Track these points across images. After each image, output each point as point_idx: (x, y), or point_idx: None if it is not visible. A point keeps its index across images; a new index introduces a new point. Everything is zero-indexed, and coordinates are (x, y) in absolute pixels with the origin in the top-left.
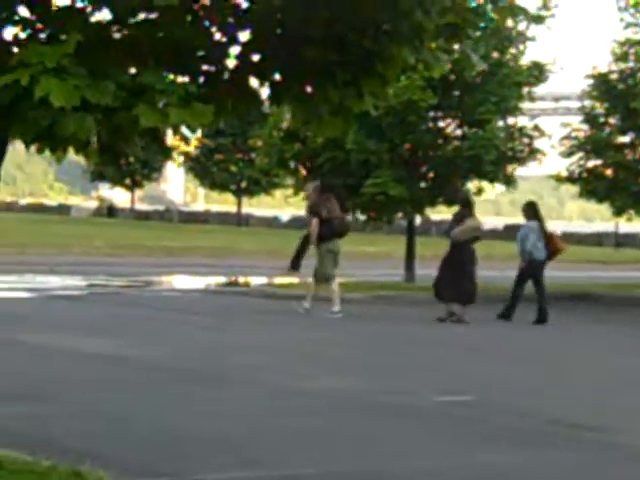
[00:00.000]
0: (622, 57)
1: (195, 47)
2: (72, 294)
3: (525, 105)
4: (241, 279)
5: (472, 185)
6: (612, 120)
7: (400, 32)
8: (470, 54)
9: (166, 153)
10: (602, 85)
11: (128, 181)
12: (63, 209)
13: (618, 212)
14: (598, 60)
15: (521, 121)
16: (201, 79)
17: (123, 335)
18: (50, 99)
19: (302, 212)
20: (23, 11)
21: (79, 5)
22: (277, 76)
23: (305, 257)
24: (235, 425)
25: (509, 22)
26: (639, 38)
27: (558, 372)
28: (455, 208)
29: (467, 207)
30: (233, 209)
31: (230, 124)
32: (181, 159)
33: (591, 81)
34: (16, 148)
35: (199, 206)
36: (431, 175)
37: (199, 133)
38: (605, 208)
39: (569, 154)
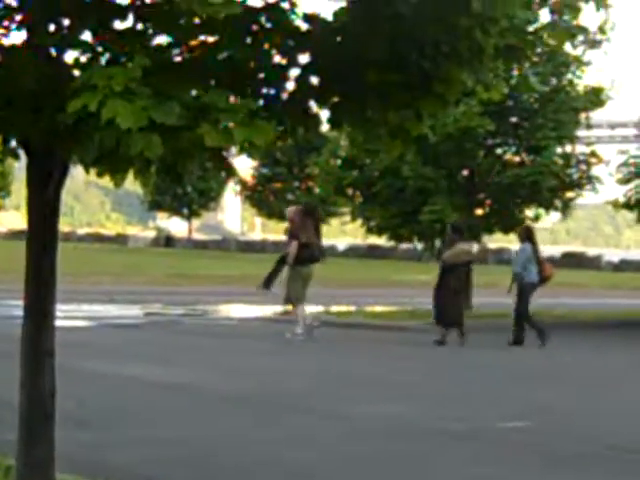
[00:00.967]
0: None
1: (254, 69)
2: (130, 323)
3: (582, 132)
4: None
5: (529, 212)
6: None
7: (459, 53)
8: (529, 76)
9: (230, 173)
10: None
11: (185, 211)
12: (120, 239)
13: None
14: None
15: (578, 148)
16: (261, 101)
17: (181, 363)
18: (118, 121)
19: (359, 240)
20: (84, 35)
21: (139, 28)
22: (336, 98)
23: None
24: (298, 451)
25: (566, 46)
26: None
27: (616, 396)
28: (512, 235)
29: (457, 233)
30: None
31: (286, 152)
32: (238, 188)
33: None
34: (73, 178)
35: (256, 235)
36: (488, 202)
37: (256, 162)
38: None
39: (626, 181)
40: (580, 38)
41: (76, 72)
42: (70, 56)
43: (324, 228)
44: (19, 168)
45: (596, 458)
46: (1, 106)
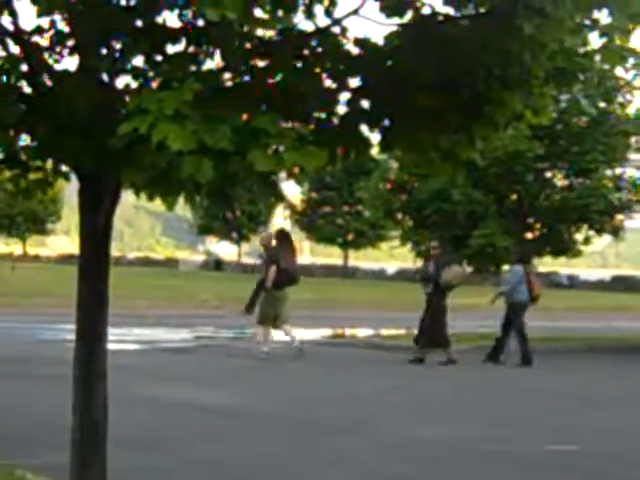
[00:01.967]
0: None
1: (305, 93)
2: (180, 346)
3: (632, 156)
4: (348, 331)
5: (579, 235)
6: None
7: (510, 76)
8: (580, 99)
9: (278, 197)
10: None
11: (235, 235)
12: (170, 263)
13: None
14: None
15: (628, 172)
16: (311, 125)
17: (233, 386)
18: (168, 143)
19: (408, 264)
20: (136, 59)
21: (191, 52)
22: (387, 122)
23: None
24: (356, 473)
25: (617, 69)
26: None
27: None
28: (561, 258)
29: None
30: (339, 262)
31: (336, 176)
32: (287, 212)
33: None
34: (123, 203)
35: (305, 259)
36: (538, 226)
37: (306, 186)
38: None
39: None
40: (631, 61)
41: (127, 97)
42: (122, 81)
43: (374, 252)
44: (69, 194)
45: None
46: (53, 131)
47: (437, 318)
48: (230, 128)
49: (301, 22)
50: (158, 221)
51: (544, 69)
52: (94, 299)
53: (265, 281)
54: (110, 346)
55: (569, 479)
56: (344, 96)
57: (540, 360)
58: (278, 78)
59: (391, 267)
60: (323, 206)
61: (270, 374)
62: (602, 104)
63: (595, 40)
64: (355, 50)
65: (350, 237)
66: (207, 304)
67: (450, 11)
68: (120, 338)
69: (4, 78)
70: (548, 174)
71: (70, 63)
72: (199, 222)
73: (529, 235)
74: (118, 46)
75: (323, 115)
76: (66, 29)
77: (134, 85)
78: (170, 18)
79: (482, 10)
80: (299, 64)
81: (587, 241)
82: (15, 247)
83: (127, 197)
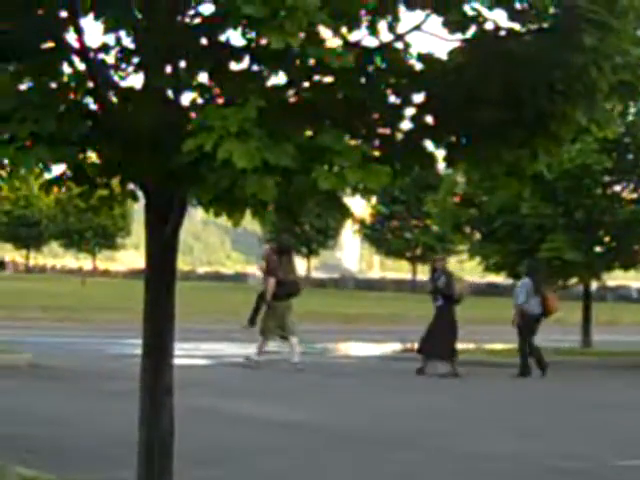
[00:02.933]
0: None
1: (370, 109)
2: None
3: None
4: (416, 345)
5: None
6: None
7: (574, 91)
8: None
9: (344, 213)
10: None
11: (304, 249)
12: (240, 277)
13: None
14: None
15: None
16: (376, 141)
17: (301, 401)
18: (233, 160)
19: (477, 278)
20: (201, 77)
21: (255, 69)
22: (451, 137)
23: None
24: None
25: None
26: None
27: None
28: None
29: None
30: (409, 276)
31: (404, 191)
32: (356, 226)
33: None
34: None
35: (375, 274)
36: (607, 239)
37: (374, 200)
38: None
39: None
40: None
41: (192, 114)
42: (187, 98)
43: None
44: (139, 209)
45: None
46: (118, 148)
47: (448, 331)
48: (294, 146)
49: (365, 38)
50: (227, 236)
51: (608, 82)
52: (160, 313)
53: (264, 294)
54: (177, 361)
55: None
56: (408, 112)
57: (602, 374)
58: (342, 94)
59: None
60: (392, 220)
61: (336, 389)
62: None
63: None
64: (419, 66)
65: (419, 251)
66: None
67: (513, 26)
68: (187, 353)
69: (70, 95)
70: (617, 187)
71: (135, 80)
72: (268, 236)
73: (598, 248)
74: (183, 63)
75: (387, 131)
76: (131, 46)
77: (199, 101)
78: (234, 36)
79: (545, 25)
80: (363, 80)
81: None
82: (85, 262)
83: (196, 212)
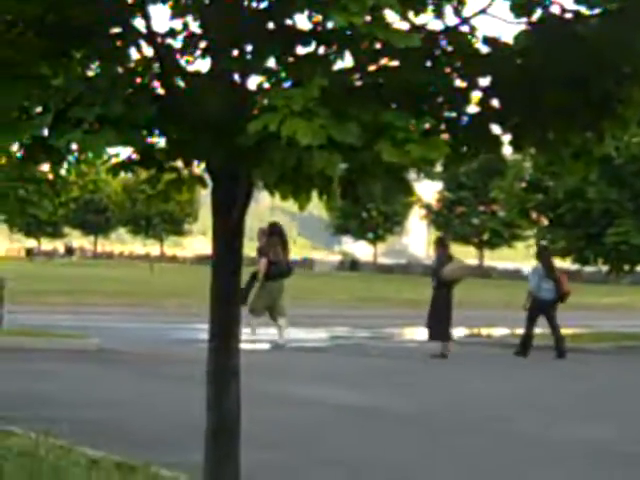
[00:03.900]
0: None
1: (435, 93)
2: (316, 346)
3: None
4: (483, 330)
5: None
6: None
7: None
8: None
9: (408, 192)
10: None
11: (371, 235)
12: (306, 263)
13: None
14: None
15: None
16: (442, 125)
17: (368, 385)
18: (297, 138)
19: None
20: (268, 61)
21: (321, 52)
22: (517, 120)
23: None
24: (491, 475)
25: None
26: None
27: None
28: None
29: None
30: (475, 262)
31: (471, 176)
32: (423, 212)
33: None
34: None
35: None
36: None
37: (440, 186)
38: None
39: None
40: None
41: (259, 97)
42: (254, 81)
43: (511, 251)
44: (206, 195)
45: None
46: (184, 131)
47: (440, 312)
48: (358, 124)
49: (430, 22)
50: (294, 222)
51: None
52: (227, 297)
53: (257, 273)
54: (245, 346)
55: None
56: (474, 95)
57: None
58: (408, 78)
59: (527, 267)
60: (458, 206)
61: (404, 374)
62: None
63: None
64: (485, 49)
65: (485, 237)
66: (343, 304)
67: (579, 9)
68: (254, 338)
69: (137, 80)
70: None
71: (202, 65)
72: (335, 222)
73: None
74: (249, 48)
75: (453, 114)
76: (199, 31)
77: (266, 86)
78: (300, 20)
79: (612, 7)
80: (429, 63)
81: None
82: (152, 248)
83: (264, 198)
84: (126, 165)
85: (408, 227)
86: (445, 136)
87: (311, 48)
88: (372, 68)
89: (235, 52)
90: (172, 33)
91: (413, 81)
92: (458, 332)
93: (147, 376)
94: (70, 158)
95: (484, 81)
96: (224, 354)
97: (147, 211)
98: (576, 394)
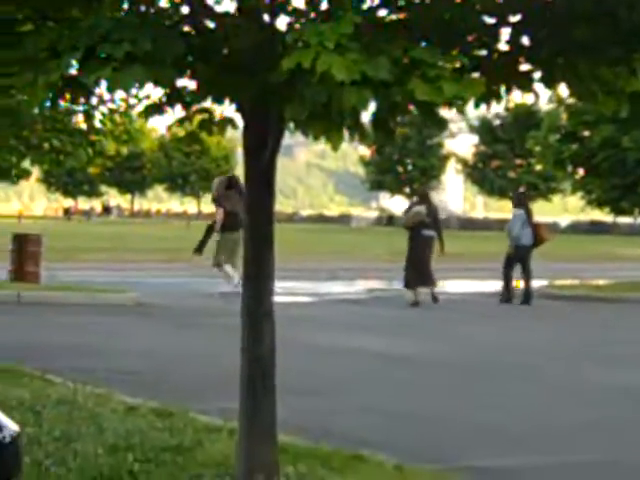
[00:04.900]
0: None
1: (465, 30)
2: (353, 298)
3: None
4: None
5: None
6: None
7: None
8: None
9: (441, 125)
10: None
11: (407, 190)
12: (343, 219)
13: None
14: None
15: None
16: (472, 63)
17: (405, 335)
18: (332, 73)
19: (581, 217)
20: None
21: None
22: (547, 56)
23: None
24: (516, 418)
25: None
26: None
27: None
28: None
29: (423, 200)
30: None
31: (506, 130)
32: (459, 166)
33: None
34: (296, 161)
35: (478, 214)
36: None
37: (475, 139)
38: None
39: None
40: None
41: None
42: (282, 21)
43: (546, 205)
44: (241, 153)
45: None
46: (213, 69)
47: (409, 260)
48: (389, 59)
49: None
50: (331, 179)
51: None
52: (260, 238)
53: (214, 225)
54: (285, 298)
55: None
56: (505, 32)
57: None
58: (437, 15)
59: (564, 220)
60: (494, 159)
61: (435, 323)
62: None
63: None
64: None
65: (522, 190)
66: (380, 258)
67: None
68: (293, 291)
69: (166, 22)
70: None
71: (230, 6)
72: (371, 178)
73: None
74: None
75: (484, 52)
76: None
77: (296, 26)
78: None
79: None
80: (458, 0)
81: None
82: (189, 206)
83: (300, 155)
84: (158, 107)
85: (444, 182)
86: (476, 74)
87: None
88: (402, 4)
89: None
90: None
91: (443, 17)
92: (494, 285)
93: (183, 328)
94: (102, 109)
95: (514, 18)
96: (257, 295)
97: (183, 168)
98: (604, 342)
